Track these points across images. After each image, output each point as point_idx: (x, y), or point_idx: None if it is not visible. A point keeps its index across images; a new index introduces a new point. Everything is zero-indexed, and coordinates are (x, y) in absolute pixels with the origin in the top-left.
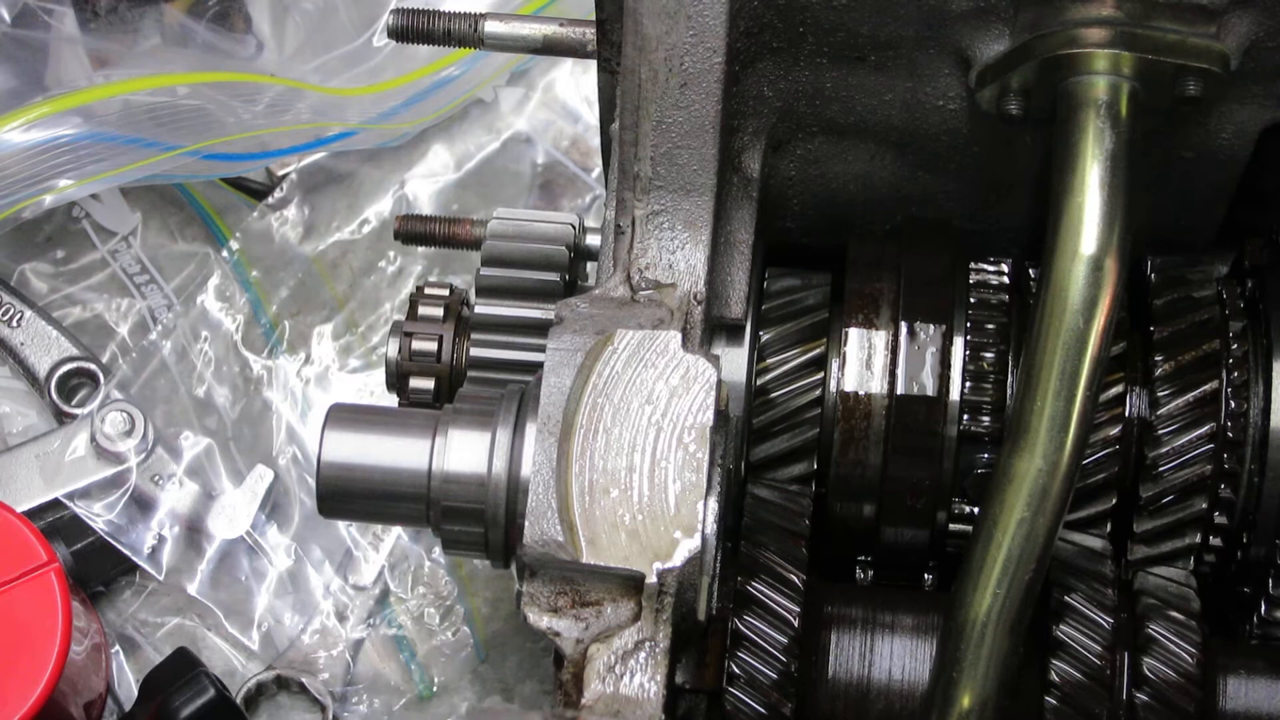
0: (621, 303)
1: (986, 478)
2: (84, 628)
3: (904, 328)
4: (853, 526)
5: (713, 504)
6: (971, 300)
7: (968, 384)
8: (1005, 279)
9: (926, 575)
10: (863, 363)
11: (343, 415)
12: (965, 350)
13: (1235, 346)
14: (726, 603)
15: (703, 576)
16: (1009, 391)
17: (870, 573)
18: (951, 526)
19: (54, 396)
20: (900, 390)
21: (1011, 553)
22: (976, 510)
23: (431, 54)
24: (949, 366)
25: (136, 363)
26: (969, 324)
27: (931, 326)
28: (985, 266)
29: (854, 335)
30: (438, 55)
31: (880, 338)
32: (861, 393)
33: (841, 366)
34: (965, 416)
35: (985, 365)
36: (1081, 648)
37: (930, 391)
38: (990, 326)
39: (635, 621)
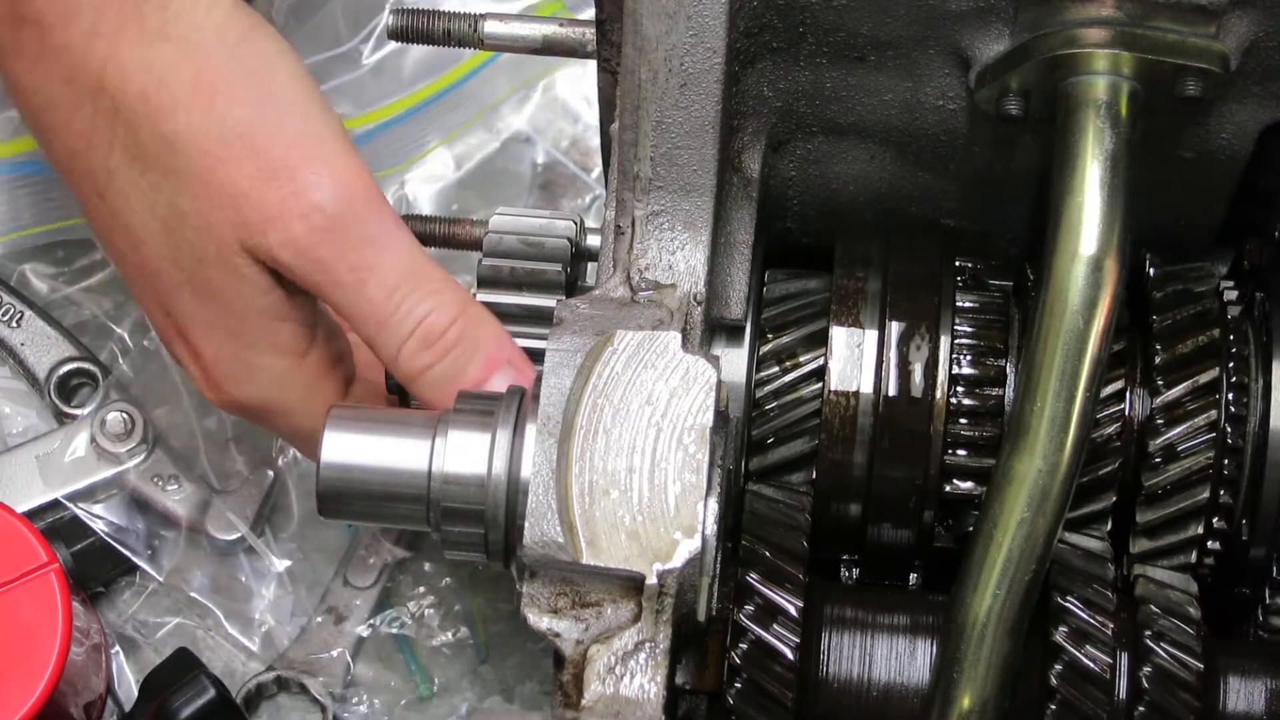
0: (621, 303)
1: (961, 504)
2: (84, 628)
3: (890, 327)
4: (839, 525)
5: (713, 505)
6: (960, 299)
7: (955, 384)
8: (999, 279)
9: (912, 575)
10: (849, 362)
11: (343, 416)
12: (953, 350)
13: (1235, 347)
14: (726, 603)
15: (703, 577)
16: (999, 391)
17: (855, 571)
18: (939, 524)
19: (54, 396)
20: (886, 390)
21: (1011, 553)
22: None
23: (413, 78)
24: (935, 366)
25: (136, 363)
26: (957, 323)
27: (917, 326)
28: (978, 266)
29: (840, 334)
30: (419, 81)
31: (866, 337)
32: (848, 392)
33: (827, 366)
34: (952, 416)
35: (974, 365)
36: (1081, 649)
37: (916, 391)
38: (980, 326)
39: (635, 622)
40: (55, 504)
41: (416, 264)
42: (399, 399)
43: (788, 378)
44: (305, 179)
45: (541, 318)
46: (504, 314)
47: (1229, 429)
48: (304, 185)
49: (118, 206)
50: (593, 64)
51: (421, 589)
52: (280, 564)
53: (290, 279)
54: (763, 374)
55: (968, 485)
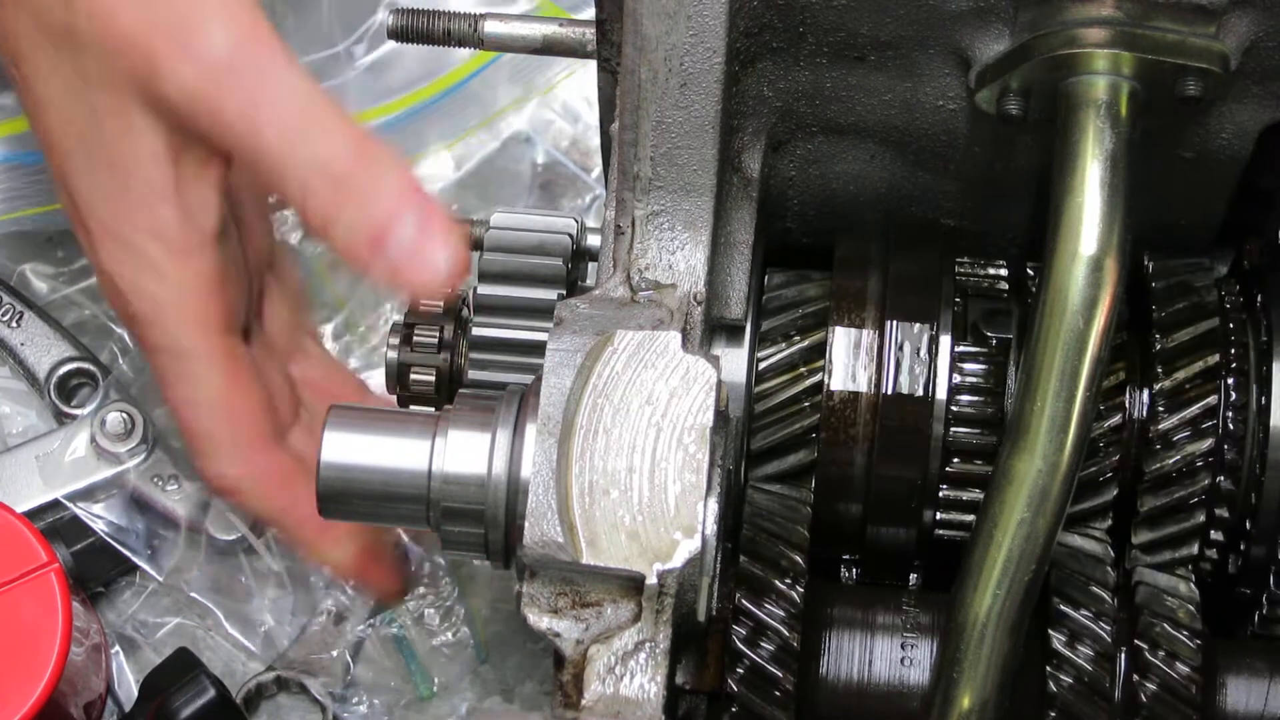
0: (621, 303)
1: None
2: (84, 628)
3: (890, 326)
4: (839, 526)
5: (713, 505)
6: (959, 299)
7: (954, 383)
8: (999, 278)
9: (912, 575)
10: (849, 362)
11: (343, 416)
12: (953, 349)
13: (1234, 336)
14: (726, 603)
15: (703, 577)
16: (999, 391)
17: (855, 571)
18: (939, 524)
19: (54, 397)
20: (886, 389)
21: (1012, 553)
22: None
23: (408, 79)
24: (935, 365)
25: (136, 363)
26: (956, 323)
27: (917, 325)
28: (978, 266)
29: (840, 334)
30: (415, 83)
31: (866, 336)
32: (848, 391)
33: (827, 366)
34: (952, 415)
35: (974, 364)
36: (1081, 649)
37: (916, 391)
38: (980, 326)
39: (635, 622)
40: (55, 504)
41: (311, 102)
42: (399, 399)
43: (788, 377)
44: (195, 21)
45: (543, 311)
46: (506, 308)
47: (1230, 416)
48: (193, 27)
49: (25, 71)
50: (592, 64)
51: (421, 589)
52: (280, 564)
53: (191, 131)
54: (763, 374)
55: (967, 485)
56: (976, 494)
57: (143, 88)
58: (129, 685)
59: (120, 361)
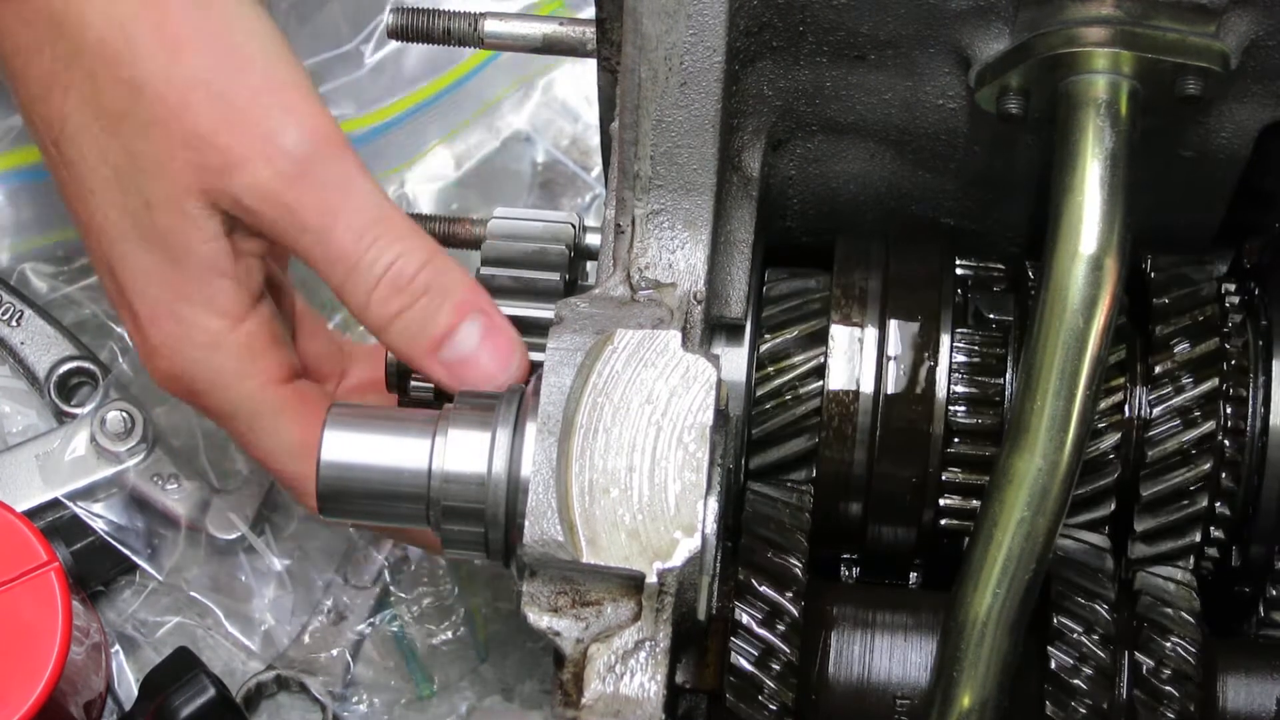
0: (621, 302)
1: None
2: (84, 628)
3: (890, 325)
4: (839, 525)
5: (713, 503)
6: (959, 298)
7: (954, 382)
8: (998, 278)
9: (912, 574)
10: (849, 360)
11: (343, 415)
12: (952, 348)
13: (1235, 346)
14: (726, 602)
15: (703, 576)
16: (999, 390)
17: (855, 570)
18: (943, 513)
19: (54, 396)
20: (885, 388)
21: (1011, 552)
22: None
23: (415, 78)
24: (935, 364)
25: (136, 362)
26: (956, 322)
27: (918, 324)
28: (978, 265)
29: (840, 333)
30: (420, 81)
31: (866, 335)
32: (847, 391)
33: (827, 364)
34: (952, 414)
35: (974, 363)
36: (1081, 648)
37: (916, 390)
38: (979, 325)
39: (635, 621)
40: (55, 503)
41: (384, 210)
42: (399, 399)
43: (788, 376)
44: (271, 124)
45: (540, 328)
46: (508, 289)
47: (1228, 436)
48: (270, 130)
49: (70, 155)
50: (592, 62)
51: (421, 589)
52: (280, 563)
53: (254, 228)
54: (763, 372)
55: (968, 481)
56: (978, 481)
57: (207, 182)
58: (129, 684)
59: (120, 361)
